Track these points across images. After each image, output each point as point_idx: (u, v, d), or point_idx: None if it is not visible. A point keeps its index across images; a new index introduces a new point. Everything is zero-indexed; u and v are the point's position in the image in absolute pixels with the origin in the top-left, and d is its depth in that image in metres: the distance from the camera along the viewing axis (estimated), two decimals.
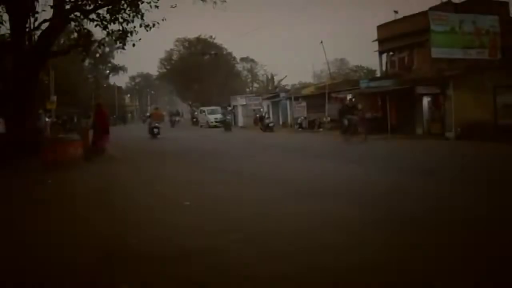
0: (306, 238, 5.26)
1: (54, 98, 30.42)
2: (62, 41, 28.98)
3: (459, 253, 4.62)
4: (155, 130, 27.64)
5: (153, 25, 16.17)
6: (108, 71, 70.84)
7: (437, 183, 9.07)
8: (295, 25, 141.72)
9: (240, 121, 45.21)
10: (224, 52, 65.26)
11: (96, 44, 17.91)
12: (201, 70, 60.84)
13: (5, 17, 15.17)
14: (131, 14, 15.86)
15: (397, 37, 28.87)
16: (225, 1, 18.79)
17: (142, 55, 51.07)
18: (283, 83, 64.43)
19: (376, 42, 31.70)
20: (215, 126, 42.35)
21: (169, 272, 4.32)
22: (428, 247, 4.81)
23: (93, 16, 15.73)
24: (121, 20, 15.85)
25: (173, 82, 69.12)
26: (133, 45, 16.71)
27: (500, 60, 24.06)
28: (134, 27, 16.19)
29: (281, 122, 39.12)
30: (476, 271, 4.10)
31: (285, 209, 6.85)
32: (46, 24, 15.48)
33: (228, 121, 37.64)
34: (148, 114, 44.75)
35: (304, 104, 34.36)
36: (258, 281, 4.06)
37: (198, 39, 64.06)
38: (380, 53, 31.93)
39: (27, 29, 15.16)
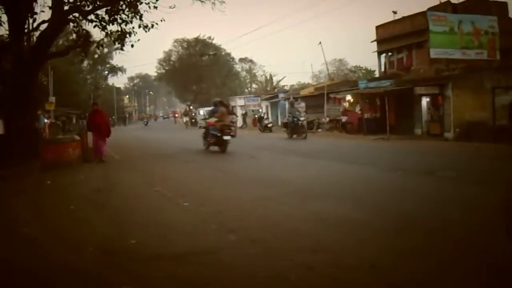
0: (306, 238, 5.26)
1: (53, 99, 30.44)
2: (60, 42, 29.04)
3: None
4: (145, 122, 64.80)
5: (152, 25, 16.14)
6: (106, 72, 70.77)
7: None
8: (294, 26, 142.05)
9: (239, 121, 45.27)
10: (223, 53, 65.25)
11: (95, 45, 17.85)
12: (200, 70, 60.83)
13: (4, 18, 15.14)
14: (130, 15, 15.82)
15: (396, 37, 28.95)
16: (224, 2, 18.81)
17: (140, 56, 51.02)
18: (282, 83, 64.47)
19: (375, 43, 31.77)
20: None
21: (168, 272, 4.31)
22: None
23: (91, 17, 15.69)
24: (119, 21, 15.81)
25: (171, 83, 69.08)
26: (132, 46, 16.67)
27: (499, 61, 24.09)
28: (133, 28, 16.15)
29: (279, 123, 39.12)
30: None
31: (286, 210, 6.85)
32: (45, 25, 15.47)
33: (299, 124, 24.25)
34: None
35: (303, 104, 34.37)
36: (257, 281, 4.06)
37: (197, 40, 64.00)
38: (379, 53, 32.00)
39: (25, 30, 15.13)
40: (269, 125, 33.74)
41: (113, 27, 16.03)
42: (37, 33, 15.71)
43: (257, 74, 74.52)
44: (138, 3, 15.69)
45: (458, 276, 4.01)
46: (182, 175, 11.50)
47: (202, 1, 18.57)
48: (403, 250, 4.75)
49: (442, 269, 4.16)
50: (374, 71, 46.78)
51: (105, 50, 48.67)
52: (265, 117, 37.00)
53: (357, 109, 29.34)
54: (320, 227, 5.79)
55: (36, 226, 6.32)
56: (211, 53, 62.63)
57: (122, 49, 16.81)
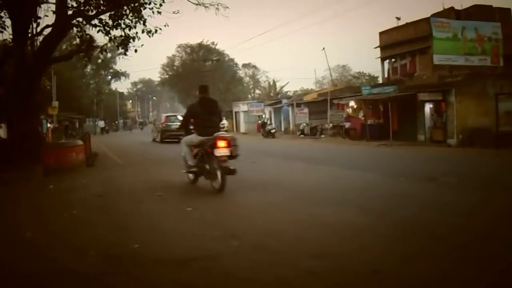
0: (309, 243, 5.24)
1: (56, 103, 30.55)
2: (64, 47, 29.16)
3: None
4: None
5: (156, 31, 16.17)
6: (110, 77, 70.96)
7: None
8: (297, 32, 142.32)
9: (242, 127, 45.36)
10: (226, 58, 65.37)
11: (98, 49, 17.89)
12: (203, 76, 60.91)
13: (8, 22, 15.22)
14: (134, 20, 15.86)
15: (399, 43, 28.98)
16: (228, 7, 18.89)
17: (144, 61, 51.13)
18: (285, 89, 64.56)
19: (378, 49, 31.78)
20: None
21: (170, 277, 4.29)
22: None
23: (95, 21, 15.75)
24: (123, 26, 15.86)
25: (175, 88, 69.16)
26: (135, 51, 16.70)
27: (502, 67, 24.09)
28: (137, 33, 16.20)
29: (283, 129, 39.16)
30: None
31: (289, 215, 6.83)
32: (49, 30, 15.52)
33: None
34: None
35: (306, 110, 34.44)
36: (259, 287, 4.04)
37: (200, 45, 64.16)
38: (382, 59, 32.01)
39: (29, 35, 15.18)
40: (272, 131, 33.83)
41: (116, 32, 16.12)
42: (40, 38, 15.76)
43: (260, 79, 74.70)
44: (141, 8, 15.74)
45: (461, 282, 3.98)
46: (184, 180, 11.46)
47: (205, 7, 18.64)
48: (406, 255, 4.72)
49: (445, 275, 4.13)
50: (377, 77, 46.90)
51: (109, 55, 48.89)
52: (268, 122, 37.06)
53: (360, 115, 29.33)
54: (323, 232, 5.77)
55: (39, 230, 6.30)
56: (215, 58, 62.75)
57: (125, 54, 16.86)
